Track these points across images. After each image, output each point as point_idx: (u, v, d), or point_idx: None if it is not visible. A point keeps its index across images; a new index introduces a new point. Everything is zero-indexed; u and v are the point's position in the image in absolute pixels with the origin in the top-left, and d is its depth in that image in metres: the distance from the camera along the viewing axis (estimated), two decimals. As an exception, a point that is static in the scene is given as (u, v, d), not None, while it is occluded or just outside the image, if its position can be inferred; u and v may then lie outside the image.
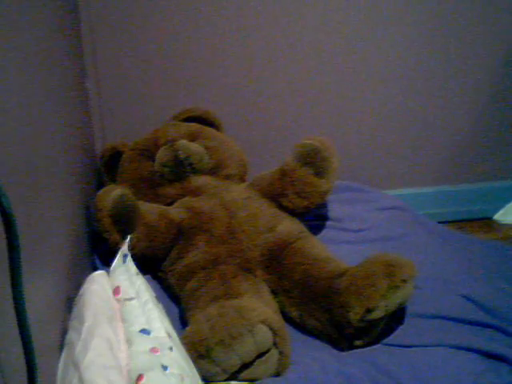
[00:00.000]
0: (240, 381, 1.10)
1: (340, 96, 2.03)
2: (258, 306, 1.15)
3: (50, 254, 0.96)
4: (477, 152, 2.22)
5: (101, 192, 1.38)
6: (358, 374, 1.11)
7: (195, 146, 1.58)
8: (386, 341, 1.23)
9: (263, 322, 1.10)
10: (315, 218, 1.68)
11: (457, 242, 1.64)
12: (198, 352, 1.07)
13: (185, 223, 1.42)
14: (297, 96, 1.99)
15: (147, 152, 1.63)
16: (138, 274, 1.08)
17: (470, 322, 1.27)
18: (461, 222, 2.23)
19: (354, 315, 1.17)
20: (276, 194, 1.50)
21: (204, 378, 1.05)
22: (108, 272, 1.10)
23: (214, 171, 1.61)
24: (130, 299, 1.00)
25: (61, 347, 0.96)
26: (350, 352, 1.21)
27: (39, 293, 0.83)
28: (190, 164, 1.55)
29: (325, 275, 1.28)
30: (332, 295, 1.24)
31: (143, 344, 0.91)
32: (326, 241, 1.52)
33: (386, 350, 1.19)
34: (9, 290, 0.61)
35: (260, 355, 1.11)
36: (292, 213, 1.50)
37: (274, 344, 1.13)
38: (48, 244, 0.94)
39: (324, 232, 1.64)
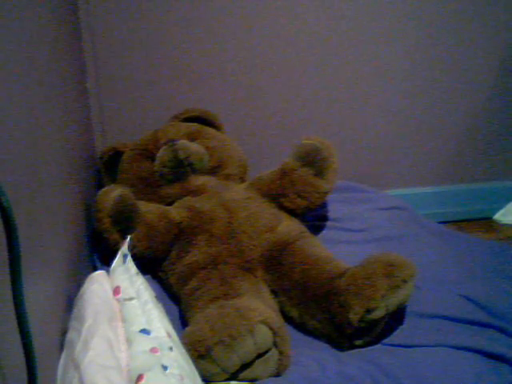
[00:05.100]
0: (240, 381, 1.10)
1: (340, 96, 2.03)
2: (258, 306, 1.15)
3: (50, 254, 0.96)
4: (477, 152, 2.22)
5: (101, 192, 1.38)
6: (358, 374, 1.11)
7: (195, 146, 1.58)
8: (386, 341, 1.22)
9: (263, 321, 1.10)
10: (315, 218, 1.68)
11: (457, 242, 1.64)
12: (198, 352, 1.07)
13: (185, 223, 1.42)
14: (297, 96, 1.99)
15: (147, 152, 1.63)
16: (138, 274, 1.08)
17: (470, 322, 1.27)
18: (461, 222, 2.23)
19: (354, 315, 1.17)
20: (276, 194, 1.50)
21: (204, 378, 1.05)
22: (108, 272, 1.10)
23: (214, 171, 1.61)
24: (130, 299, 1.00)
25: (61, 347, 0.96)
26: (350, 352, 1.21)
27: (39, 293, 0.83)
28: (190, 164, 1.55)
29: (325, 275, 1.28)
30: (332, 295, 1.23)
31: (143, 344, 0.91)
32: (325, 241, 1.52)
33: (386, 350, 1.19)
34: (9, 290, 0.61)
35: (260, 355, 1.11)
36: (292, 213, 1.50)
37: (274, 344, 1.13)
38: (48, 244, 0.94)
39: (324, 232, 1.64)
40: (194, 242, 1.38)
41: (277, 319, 1.17)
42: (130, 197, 1.38)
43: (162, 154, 1.56)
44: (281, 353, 1.14)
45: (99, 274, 1.09)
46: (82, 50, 1.73)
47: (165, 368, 0.87)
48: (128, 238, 1.17)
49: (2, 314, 0.63)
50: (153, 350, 0.90)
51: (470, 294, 1.35)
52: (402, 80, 2.05)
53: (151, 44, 1.81)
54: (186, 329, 1.15)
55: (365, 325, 1.19)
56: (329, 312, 1.24)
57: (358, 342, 1.22)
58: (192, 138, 1.65)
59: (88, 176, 1.58)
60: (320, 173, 1.48)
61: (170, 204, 1.51)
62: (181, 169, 1.54)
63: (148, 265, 1.37)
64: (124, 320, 0.97)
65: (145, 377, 0.85)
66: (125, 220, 1.35)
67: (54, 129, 1.09)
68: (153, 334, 0.94)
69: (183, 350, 1.02)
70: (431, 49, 2.02)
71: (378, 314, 1.17)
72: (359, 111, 2.06)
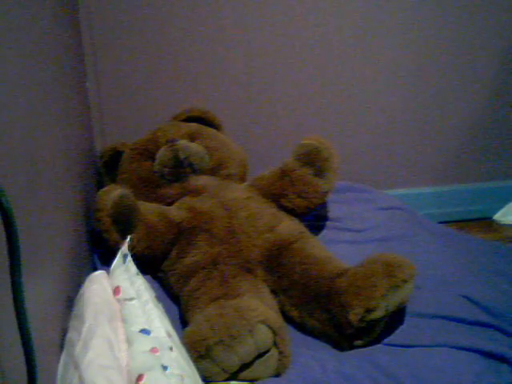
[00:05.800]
0: (240, 381, 1.10)
1: (340, 96, 2.03)
2: (258, 305, 1.15)
3: (50, 253, 0.96)
4: (477, 152, 2.22)
5: (101, 192, 1.38)
6: (357, 374, 1.11)
7: (195, 146, 1.58)
8: (386, 341, 1.22)
9: (263, 322, 1.10)
10: (315, 218, 1.68)
11: (457, 242, 1.64)
12: (198, 352, 1.07)
13: (185, 223, 1.42)
14: (297, 96, 1.99)
15: (147, 152, 1.63)
16: (138, 274, 1.08)
17: (470, 322, 1.27)
18: (461, 222, 2.23)
19: (354, 315, 1.17)
20: (276, 194, 1.50)
21: (204, 378, 1.05)
22: (108, 272, 1.10)
23: (214, 171, 1.61)
24: (130, 299, 1.00)
25: (61, 347, 0.96)
26: (350, 352, 1.21)
27: (39, 293, 0.83)
28: (190, 164, 1.55)
29: (325, 275, 1.28)
30: (332, 295, 1.24)
31: (143, 344, 0.91)
32: (326, 241, 1.52)
33: (386, 350, 1.19)
34: (9, 290, 0.61)
35: (260, 355, 1.11)
36: (292, 213, 1.50)
37: (274, 344, 1.13)
38: (48, 244, 0.94)
39: (324, 232, 1.64)
40: (193, 242, 1.38)
41: (277, 319, 1.17)
42: (129, 197, 1.38)
43: (162, 153, 1.56)
44: (281, 353, 1.14)
45: (99, 273, 1.09)
46: (82, 50, 1.73)
47: (165, 368, 0.87)
48: (128, 238, 1.17)
49: (2, 314, 0.64)
50: (153, 350, 0.90)
51: (470, 294, 1.35)
52: (402, 80, 2.05)
53: (151, 44, 1.82)
54: (186, 329, 1.15)
55: (365, 325, 1.19)
56: (329, 312, 1.24)
57: (357, 342, 1.22)
58: (192, 138, 1.65)
59: (88, 176, 1.58)
60: (320, 173, 1.48)
61: (170, 204, 1.51)
62: (181, 169, 1.55)
63: (148, 265, 1.37)
64: (124, 320, 0.97)
65: (145, 377, 0.85)
66: (125, 220, 1.35)
67: (53, 129, 1.09)
68: (153, 334, 0.94)
69: (183, 350, 1.02)
70: (431, 49, 2.02)
71: (377, 313, 1.17)
72: (359, 111, 2.07)
